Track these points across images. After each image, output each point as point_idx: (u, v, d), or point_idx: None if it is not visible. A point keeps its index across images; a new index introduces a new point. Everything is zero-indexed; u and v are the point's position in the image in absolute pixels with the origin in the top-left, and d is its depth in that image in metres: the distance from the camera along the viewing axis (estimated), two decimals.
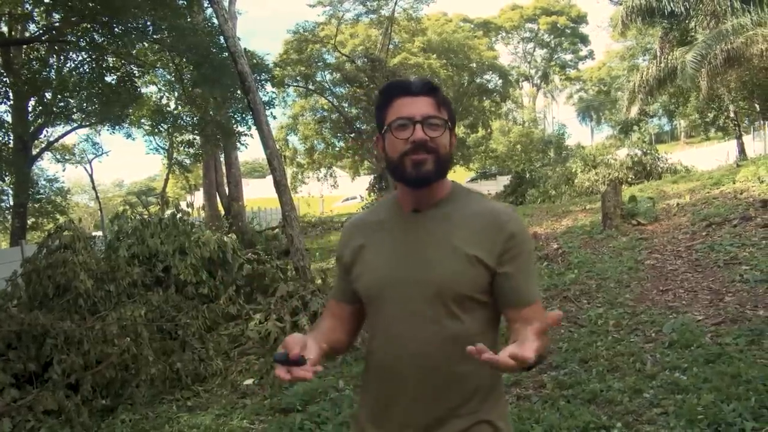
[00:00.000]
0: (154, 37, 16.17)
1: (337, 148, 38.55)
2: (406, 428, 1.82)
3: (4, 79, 16.74)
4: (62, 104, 18.38)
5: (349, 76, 31.32)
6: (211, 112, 18.87)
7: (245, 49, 15.10)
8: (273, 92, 23.79)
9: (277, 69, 30.08)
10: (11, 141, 17.86)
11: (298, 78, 33.58)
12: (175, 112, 21.20)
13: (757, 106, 26.95)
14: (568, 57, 68.18)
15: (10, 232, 19.86)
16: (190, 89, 18.68)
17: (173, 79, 19.62)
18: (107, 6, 13.56)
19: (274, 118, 26.41)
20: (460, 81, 40.21)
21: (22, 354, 5.99)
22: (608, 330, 6.81)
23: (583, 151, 33.85)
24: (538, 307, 1.82)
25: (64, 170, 71.72)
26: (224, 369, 7.04)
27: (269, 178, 10.64)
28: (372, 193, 37.59)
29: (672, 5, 19.42)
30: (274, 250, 14.51)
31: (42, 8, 16.40)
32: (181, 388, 6.61)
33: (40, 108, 18.33)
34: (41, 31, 17.22)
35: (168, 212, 10.86)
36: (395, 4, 33.09)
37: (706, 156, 29.97)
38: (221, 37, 13.31)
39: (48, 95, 17.87)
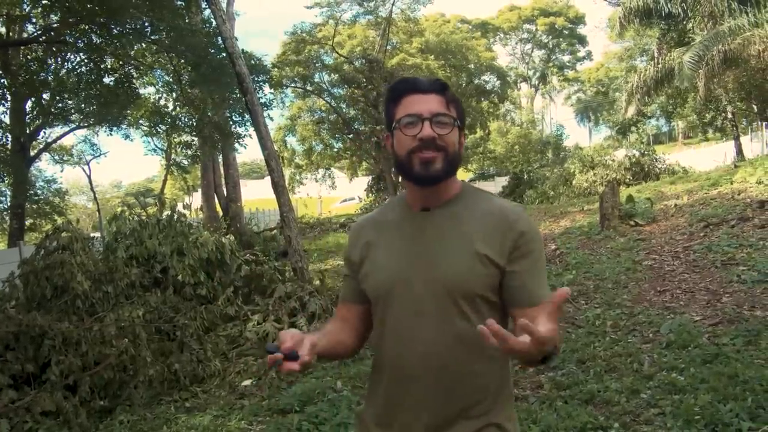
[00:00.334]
0: (152, 38, 16.16)
1: (335, 149, 38.55)
2: (414, 428, 1.81)
3: (2, 80, 16.74)
4: (60, 105, 18.36)
5: (347, 77, 31.35)
6: (209, 114, 18.85)
7: (243, 50, 15.10)
8: (271, 93, 23.80)
9: (275, 70, 30.10)
10: (9, 142, 17.86)
11: (296, 79, 33.57)
12: (174, 113, 21.18)
13: (755, 107, 27.01)
14: (566, 58, 68.26)
15: (8, 233, 19.84)
16: (188, 90, 18.67)
17: (171, 80, 19.60)
18: (105, 7, 13.56)
19: (272, 119, 26.57)
20: (458, 82, 40.18)
21: (20, 355, 5.99)
22: (606, 331, 6.83)
23: (581, 152, 33.92)
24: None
25: (62, 171, 71.76)
26: (222, 370, 7.05)
27: (268, 179, 10.65)
28: (370, 194, 37.66)
29: (669, 6, 19.43)
30: (272, 251, 14.54)
31: (40, 9, 16.39)
32: (179, 389, 6.62)
33: (38, 109, 18.34)
34: (39, 32, 17.21)
35: (166, 213, 10.84)
36: (392, 4, 33.11)
37: (704, 157, 30.03)
38: (219, 38, 13.31)
39: (46, 96, 17.86)
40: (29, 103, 18.05)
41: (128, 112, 20.49)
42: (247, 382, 6.70)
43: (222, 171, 24.61)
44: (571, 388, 5.12)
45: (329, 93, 34.67)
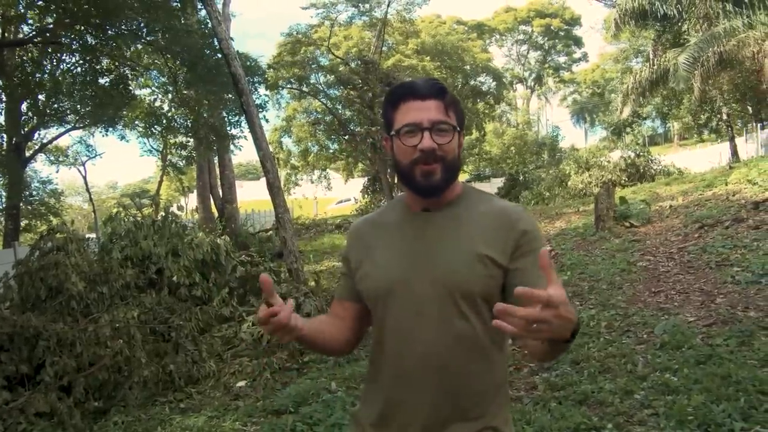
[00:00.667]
0: (148, 38, 16.16)
1: (331, 151, 38.53)
2: (411, 430, 1.80)
3: None
4: (55, 106, 18.36)
5: (343, 78, 31.30)
6: (204, 115, 18.84)
7: (239, 51, 15.10)
8: (266, 95, 23.80)
9: (271, 71, 30.07)
10: (4, 143, 17.84)
11: (291, 80, 33.54)
12: (169, 114, 21.17)
13: (750, 109, 27.09)
14: (562, 59, 68.29)
15: (3, 234, 19.80)
16: (183, 91, 18.66)
17: (167, 81, 19.59)
18: (100, 8, 13.55)
19: (267, 121, 26.46)
20: (453, 83, 40.18)
21: (14, 356, 5.99)
22: (600, 331, 6.84)
23: (576, 154, 33.94)
24: None
25: (57, 172, 71.64)
26: (217, 371, 7.05)
27: (263, 180, 10.66)
28: (366, 196, 37.62)
29: (665, 8, 19.50)
30: (267, 252, 14.52)
31: (35, 10, 16.38)
32: (173, 390, 6.62)
33: (34, 110, 18.32)
34: (34, 33, 17.19)
35: (161, 214, 10.84)
36: (388, 6, 33.11)
37: (700, 158, 30.07)
38: (215, 39, 13.30)
39: (41, 97, 17.85)
40: (24, 104, 18.01)
41: (123, 113, 20.46)
42: (241, 383, 6.71)
43: (218, 172, 24.61)
44: (565, 389, 5.14)
45: (325, 94, 34.65)
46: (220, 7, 17.68)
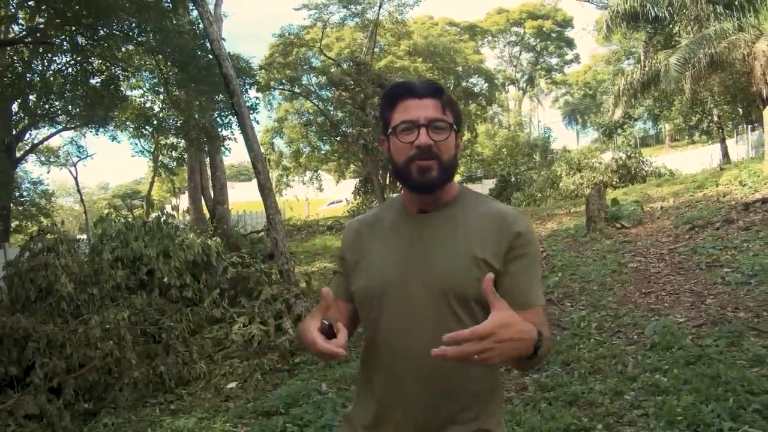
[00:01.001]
0: (139, 39, 16.12)
1: (323, 152, 38.50)
2: (405, 431, 1.80)
3: None
4: (46, 106, 18.29)
5: (335, 79, 31.28)
6: (196, 116, 18.80)
7: (230, 52, 15.08)
8: (256, 98, 23.76)
9: (263, 72, 30.04)
10: None
11: (283, 81, 33.51)
12: (160, 115, 21.12)
13: (740, 110, 27.16)
14: (554, 61, 68.37)
15: None
16: (174, 92, 18.61)
17: (158, 81, 19.54)
18: (92, 8, 13.51)
19: (258, 123, 26.36)
20: (445, 84, 40.09)
21: (3, 357, 5.97)
22: (591, 332, 6.86)
23: (568, 155, 34.02)
24: (539, 311, 1.80)
25: (48, 173, 71.51)
26: (208, 372, 7.05)
27: (255, 182, 10.64)
28: (357, 197, 37.61)
29: (656, 10, 19.53)
30: (258, 253, 14.50)
31: (26, 10, 16.32)
32: (164, 391, 6.61)
33: (24, 110, 18.25)
34: (25, 33, 17.13)
35: (152, 216, 10.81)
36: (380, 7, 33.10)
37: (691, 159, 30.18)
38: (207, 40, 13.27)
39: (32, 97, 17.78)
40: (15, 104, 17.95)
41: (115, 113, 20.40)
42: (232, 385, 6.70)
43: (209, 173, 24.57)
44: (555, 390, 5.14)
45: (317, 95, 34.63)
46: (211, 7, 17.66)
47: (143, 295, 8.22)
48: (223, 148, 21.34)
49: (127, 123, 23.32)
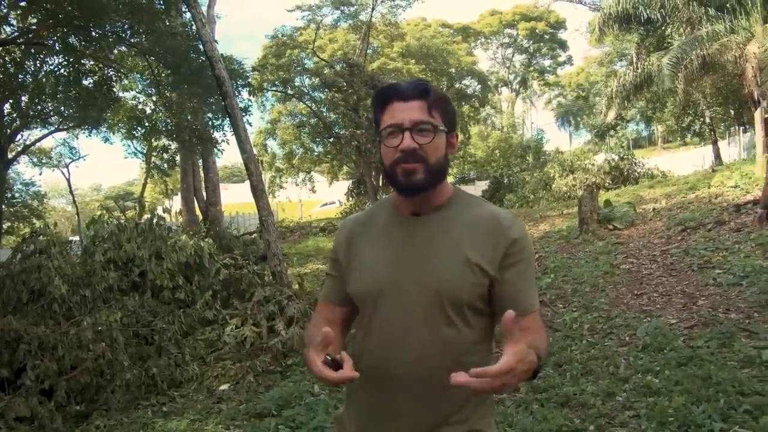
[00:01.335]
0: (132, 40, 16.08)
1: (316, 153, 38.46)
2: None
3: None
4: (39, 107, 18.23)
5: (328, 80, 31.25)
6: (189, 117, 18.76)
7: (223, 54, 15.06)
8: (249, 99, 23.72)
9: (256, 73, 29.98)
10: None
11: (276, 83, 33.48)
12: (153, 117, 21.07)
13: (732, 112, 27.28)
14: (547, 62, 68.39)
15: None
16: (166, 94, 18.58)
17: (150, 83, 19.49)
18: (84, 10, 13.47)
19: (250, 124, 26.25)
20: (438, 86, 40.15)
21: None
22: (583, 334, 6.87)
23: (561, 156, 34.07)
24: (535, 316, 1.81)
25: (40, 174, 71.31)
26: (200, 374, 7.04)
27: (248, 183, 10.63)
28: (350, 198, 37.61)
29: (648, 12, 19.58)
30: (251, 254, 14.48)
31: (18, 11, 16.26)
32: (156, 393, 6.60)
33: (16, 111, 18.18)
34: (17, 34, 17.07)
35: (145, 217, 10.80)
36: (372, 9, 33.12)
37: (683, 161, 30.30)
38: (199, 42, 13.25)
39: (24, 98, 17.72)
40: (7, 105, 17.88)
41: (107, 114, 20.34)
42: (224, 387, 6.70)
43: (202, 175, 24.51)
44: (547, 391, 5.15)
45: (310, 97, 34.58)
46: (204, 9, 17.61)
47: (135, 296, 8.20)
48: (215, 150, 21.30)
49: (119, 125, 23.28)
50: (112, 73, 17.94)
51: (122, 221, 10.25)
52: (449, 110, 1.84)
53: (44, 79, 17.20)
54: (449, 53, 40.46)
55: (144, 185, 37.91)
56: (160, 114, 20.51)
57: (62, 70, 16.92)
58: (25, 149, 24.31)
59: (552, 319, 7.70)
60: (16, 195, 25.67)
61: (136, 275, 8.69)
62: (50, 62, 17.55)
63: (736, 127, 30.41)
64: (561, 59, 67.10)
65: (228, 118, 12.09)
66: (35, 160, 29.39)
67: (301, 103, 35.02)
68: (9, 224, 23.98)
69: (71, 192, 34.27)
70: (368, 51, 35.46)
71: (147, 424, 5.69)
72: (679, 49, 17.22)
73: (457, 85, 40.58)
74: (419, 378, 1.76)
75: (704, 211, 13.17)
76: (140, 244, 9.03)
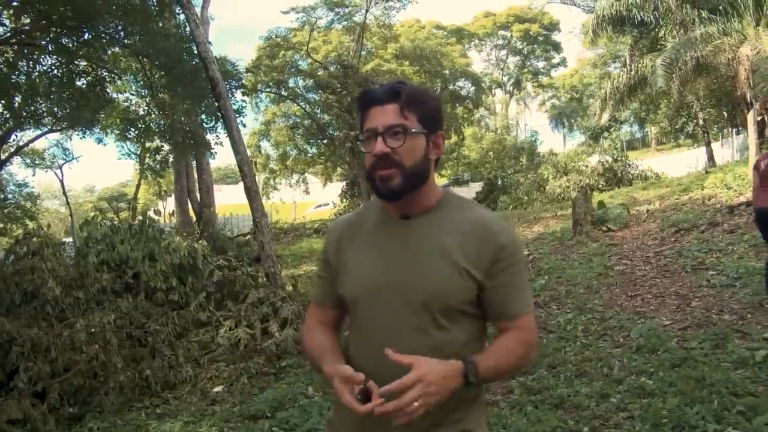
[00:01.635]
0: (125, 42, 16.05)
1: (310, 155, 38.48)
2: None
3: None
4: (32, 108, 18.17)
5: (322, 82, 31.30)
6: (183, 118, 18.73)
7: (217, 56, 15.04)
8: (243, 101, 23.73)
9: (250, 75, 29.97)
10: None
11: (270, 84, 33.47)
12: (146, 118, 21.04)
13: (725, 114, 27.37)
14: (541, 64, 68.45)
15: None
16: (160, 95, 18.55)
17: (143, 84, 19.47)
18: (77, 11, 13.44)
19: (244, 126, 26.25)
20: (432, 87, 40.26)
21: None
22: (577, 335, 6.87)
23: (554, 158, 34.14)
24: (526, 319, 1.82)
25: (33, 175, 70.86)
26: (194, 376, 7.01)
27: (242, 184, 10.62)
28: (344, 200, 37.61)
29: (641, 14, 19.63)
30: (245, 256, 14.47)
31: (10, 11, 16.22)
32: (150, 395, 6.58)
33: (9, 112, 18.12)
34: (9, 34, 17.03)
35: (138, 218, 10.77)
36: (366, 11, 33.12)
37: (677, 163, 30.38)
38: (193, 43, 13.23)
39: (17, 99, 17.66)
40: (0, 106, 17.83)
41: (101, 115, 20.29)
42: (218, 388, 6.68)
43: (195, 176, 24.48)
44: (541, 393, 5.15)
45: (304, 98, 34.60)
46: (198, 10, 17.59)
47: (129, 298, 8.18)
48: (209, 152, 21.30)
49: (112, 126, 23.23)
50: (105, 74, 17.90)
51: (116, 223, 10.22)
52: (428, 110, 1.81)
53: (37, 80, 17.15)
54: (443, 55, 40.46)
55: (137, 187, 37.81)
56: (154, 115, 20.48)
57: (55, 71, 16.88)
58: (18, 150, 24.20)
59: (546, 320, 7.70)
60: (9, 196, 25.60)
61: (129, 277, 8.66)
62: (43, 63, 17.49)
63: (729, 129, 30.52)
64: (555, 61, 67.28)
65: (222, 120, 12.06)
66: (28, 161, 29.26)
67: (295, 104, 35.04)
68: (2, 225, 23.87)
69: (64, 193, 34.14)
70: (362, 52, 35.46)
71: (140, 426, 5.68)
72: (673, 50, 17.28)
73: (451, 87, 40.62)
74: None
75: (698, 213, 13.20)
76: (134, 245, 9.01)
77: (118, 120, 21.89)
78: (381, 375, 1.73)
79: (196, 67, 15.02)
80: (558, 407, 4.84)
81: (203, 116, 19.11)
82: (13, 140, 22.72)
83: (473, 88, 43.45)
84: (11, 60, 17.18)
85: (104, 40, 15.52)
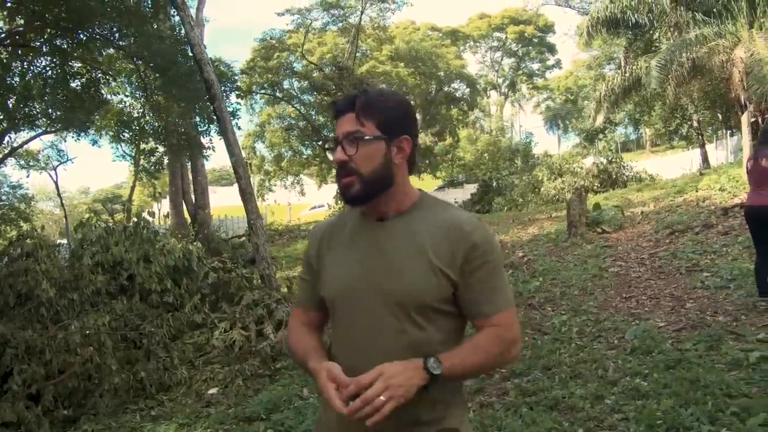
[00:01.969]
0: (120, 43, 16.04)
1: (305, 156, 38.49)
2: None
3: None
4: (26, 109, 18.14)
5: (317, 84, 31.34)
6: (178, 120, 18.72)
7: (212, 57, 15.03)
8: (238, 103, 23.70)
9: (245, 76, 29.96)
10: None
11: (265, 86, 33.48)
12: (141, 120, 21.01)
13: (720, 116, 27.44)
14: (536, 66, 68.49)
15: None
16: (154, 97, 18.53)
17: (138, 86, 19.44)
18: (72, 12, 13.43)
19: (239, 128, 26.19)
20: (427, 89, 40.38)
21: None
22: (572, 337, 6.87)
23: (549, 160, 34.17)
24: (503, 316, 1.81)
25: (28, 177, 70.53)
26: (189, 378, 7.00)
27: (236, 186, 10.61)
28: (339, 201, 37.58)
29: (636, 16, 19.69)
30: (240, 258, 14.45)
31: (4, 12, 16.20)
32: (145, 397, 6.58)
33: (4, 113, 18.08)
34: (3, 36, 17.00)
35: (133, 220, 10.75)
36: (362, 13, 33.15)
37: (671, 164, 30.43)
38: (188, 45, 13.21)
39: (12, 100, 17.63)
40: None
41: (95, 117, 20.26)
42: (213, 390, 6.67)
43: (190, 177, 24.47)
44: (536, 395, 5.15)
45: (299, 100, 34.63)
46: (193, 12, 17.59)
47: (124, 300, 8.15)
48: (203, 154, 21.28)
49: (107, 128, 23.18)
50: (100, 75, 17.88)
51: (110, 224, 10.20)
52: (388, 116, 1.82)
53: (31, 81, 17.13)
54: (438, 56, 40.53)
55: (132, 188, 37.71)
56: (148, 117, 20.46)
57: (50, 72, 16.86)
58: (13, 151, 24.14)
59: (541, 322, 7.70)
60: (3, 198, 25.53)
61: (124, 279, 8.64)
62: (37, 64, 17.48)
63: (724, 131, 30.62)
64: (550, 63, 67.32)
65: (216, 122, 12.06)
66: (22, 162, 29.13)
67: (290, 106, 35.05)
68: None
69: (59, 195, 34.04)
70: (357, 54, 35.49)
71: (135, 429, 5.67)
72: (667, 51, 17.33)
73: (446, 89, 40.73)
74: None
75: (692, 215, 13.23)
76: (128, 247, 8.98)
77: (112, 122, 21.83)
78: (361, 374, 1.75)
79: (191, 69, 15.03)
80: (553, 409, 4.84)
81: (197, 119, 19.08)
82: (7, 142, 22.66)
83: (468, 89, 43.55)
84: (5, 61, 17.15)
85: (99, 42, 15.52)
